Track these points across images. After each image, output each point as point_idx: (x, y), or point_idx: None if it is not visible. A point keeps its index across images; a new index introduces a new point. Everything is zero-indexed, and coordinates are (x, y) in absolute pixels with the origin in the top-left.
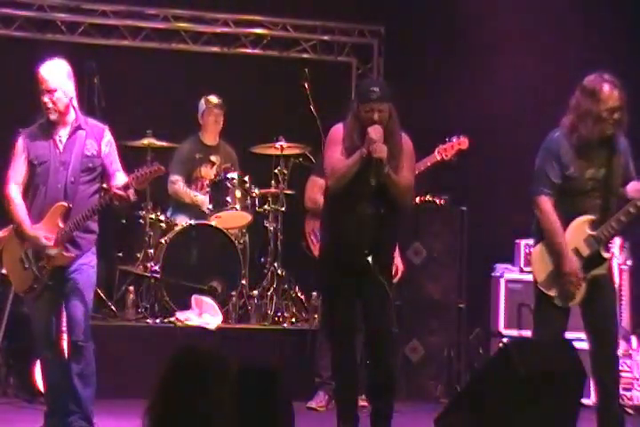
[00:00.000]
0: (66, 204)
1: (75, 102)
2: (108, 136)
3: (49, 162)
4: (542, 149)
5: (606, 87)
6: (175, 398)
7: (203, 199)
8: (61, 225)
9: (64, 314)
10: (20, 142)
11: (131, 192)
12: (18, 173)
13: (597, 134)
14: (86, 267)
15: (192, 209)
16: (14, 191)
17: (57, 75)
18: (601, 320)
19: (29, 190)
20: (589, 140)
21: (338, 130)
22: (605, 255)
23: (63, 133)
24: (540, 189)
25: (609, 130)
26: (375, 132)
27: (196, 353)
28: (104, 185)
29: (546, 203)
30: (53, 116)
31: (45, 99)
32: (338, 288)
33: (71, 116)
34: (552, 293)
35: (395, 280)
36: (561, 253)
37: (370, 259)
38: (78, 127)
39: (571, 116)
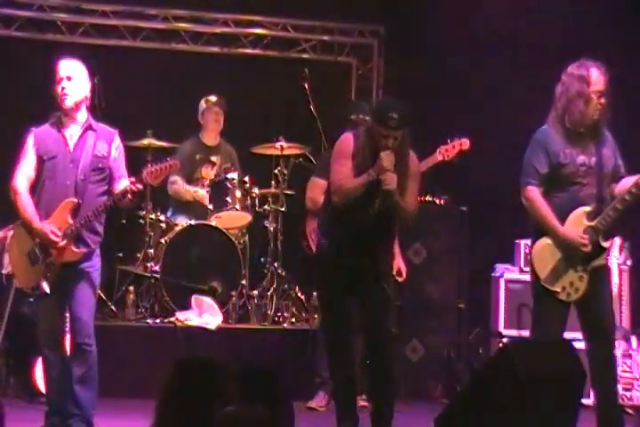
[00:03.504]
0: (75, 200)
1: (87, 103)
2: (118, 141)
3: (58, 157)
4: (530, 141)
5: (595, 71)
6: (180, 401)
7: (203, 194)
8: (70, 221)
9: (67, 315)
10: (30, 139)
11: (142, 187)
12: (26, 167)
13: (589, 116)
14: (91, 270)
15: (192, 209)
16: (22, 185)
17: (78, 68)
18: (598, 318)
19: (37, 186)
20: (581, 123)
21: (348, 141)
22: (604, 244)
23: (74, 132)
24: (527, 180)
25: (596, 115)
26: (387, 159)
27: (199, 357)
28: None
29: (532, 192)
30: (69, 103)
31: (64, 84)
32: (335, 288)
33: (83, 115)
34: (556, 288)
35: (400, 280)
36: (556, 231)
37: (370, 265)
38: (89, 127)
39: (560, 102)
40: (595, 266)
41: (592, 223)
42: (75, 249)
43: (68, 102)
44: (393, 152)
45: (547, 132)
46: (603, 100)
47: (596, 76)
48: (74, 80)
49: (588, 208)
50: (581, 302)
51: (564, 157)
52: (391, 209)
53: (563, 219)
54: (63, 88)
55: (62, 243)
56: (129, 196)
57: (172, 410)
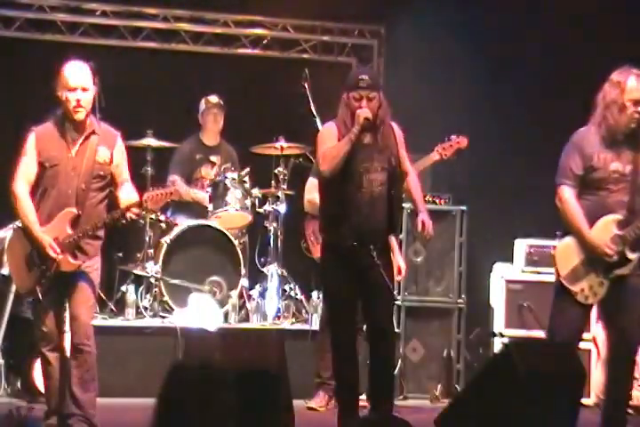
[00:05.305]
0: (75, 210)
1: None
2: (120, 144)
3: (60, 165)
4: (568, 142)
5: (632, 79)
6: (178, 411)
7: (203, 195)
8: (70, 231)
9: (67, 315)
10: (32, 141)
11: (141, 210)
12: (28, 171)
13: (623, 124)
14: (91, 270)
15: (192, 209)
16: (23, 190)
17: (89, 76)
18: (619, 323)
19: (37, 192)
20: (616, 131)
21: (329, 127)
22: (630, 256)
23: (76, 137)
24: (562, 180)
25: (633, 123)
26: (364, 112)
27: (196, 366)
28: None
29: (566, 192)
30: (81, 116)
31: (79, 95)
32: (339, 289)
33: (86, 119)
34: (575, 288)
35: (399, 279)
36: (584, 235)
37: (375, 254)
38: (92, 132)
39: (598, 108)
40: (618, 274)
41: (621, 232)
42: (72, 261)
43: (82, 115)
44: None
45: (584, 133)
46: None
47: (633, 84)
48: (88, 91)
49: (618, 216)
50: (603, 304)
51: (597, 161)
52: (391, 188)
53: (589, 222)
54: (79, 100)
55: (59, 257)
56: (128, 218)
57: (168, 420)
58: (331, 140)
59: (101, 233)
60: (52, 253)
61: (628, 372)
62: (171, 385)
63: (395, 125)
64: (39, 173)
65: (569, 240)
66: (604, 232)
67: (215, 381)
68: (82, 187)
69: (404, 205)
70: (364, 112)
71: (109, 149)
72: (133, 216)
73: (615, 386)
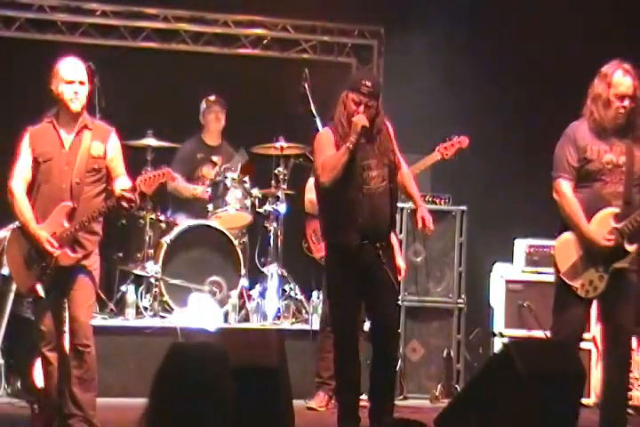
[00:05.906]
0: (71, 204)
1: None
2: (114, 139)
3: (53, 160)
4: (562, 135)
5: (619, 73)
6: (172, 396)
7: (203, 190)
8: (66, 225)
9: (66, 315)
10: (26, 139)
11: (136, 195)
12: (24, 169)
13: (609, 120)
14: (90, 269)
15: (192, 207)
16: (20, 188)
17: (84, 71)
18: (617, 316)
19: (33, 188)
20: (602, 125)
21: (325, 133)
22: (629, 248)
23: (70, 132)
24: (559, 173)
25: (620, 118)
26: (360, 120)
27: (193, 350)
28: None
29: (563, 185)
30: (78, 106)
31: (77, 88)
32: (343, 290)
33: (82, 113)
34: (575, 283)
35: (399, 279)
36: (582, 229)
37: (380, 253)
38: (85, 127)
39: (587, 100)
40: (616, 268)
41: (618, 225)
42: (71, 254)
43: (78, 106)
44: (368, 122)
45: (577, 126)
46: (627, 103)
47: (619, 78)
48: (84, 85)
49: (615, 209)
50: (602, 299)
51: (590, 153)
52: (390, 189)
53: (585, 214)
54: (76, 93)
55: (57, 253)
56: (124, 204)
57: (165, 398)
58: (328, 147)
59: (99, 228)
60: (49, 248)
61: (625, 371)
62: (167, 381)
63: (387, 123)
64: (34, 169)
65: (567, 236)
66: (602, 226)
67: (213, 377)
68: (76, 181)
69: (404, 205)
70: (362, 120)
71: (103, 144)
72: (126, 196)
73: (614, 386)
